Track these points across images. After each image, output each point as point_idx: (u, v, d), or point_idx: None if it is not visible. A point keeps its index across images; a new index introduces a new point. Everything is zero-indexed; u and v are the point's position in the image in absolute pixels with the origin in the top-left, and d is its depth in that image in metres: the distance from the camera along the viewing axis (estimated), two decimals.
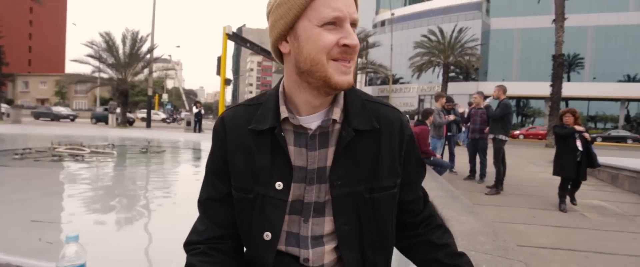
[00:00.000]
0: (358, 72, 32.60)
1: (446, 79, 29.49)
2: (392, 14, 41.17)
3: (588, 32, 39.09)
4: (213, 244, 0.76)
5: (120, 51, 19.40)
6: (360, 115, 0.74)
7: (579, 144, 4.58)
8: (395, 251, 0.85)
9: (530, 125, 35.39)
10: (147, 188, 4.84)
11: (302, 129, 0.73)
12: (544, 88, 20.99)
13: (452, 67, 31.56)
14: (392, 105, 0.82)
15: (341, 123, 0.74)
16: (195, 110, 16.98)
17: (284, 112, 0.73)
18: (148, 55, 19.86)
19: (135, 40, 19.49)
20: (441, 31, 29.92)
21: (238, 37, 25.22)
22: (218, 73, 22.71)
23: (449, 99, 7.50)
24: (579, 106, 37.14)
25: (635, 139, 28.38)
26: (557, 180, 4.73)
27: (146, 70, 20.24)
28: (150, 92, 20.37)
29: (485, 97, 6.54)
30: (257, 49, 27.91)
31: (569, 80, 36.59)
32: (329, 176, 0.73)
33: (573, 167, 4.55)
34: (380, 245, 0.76)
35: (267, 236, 0.74)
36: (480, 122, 6.25)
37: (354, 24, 0.68)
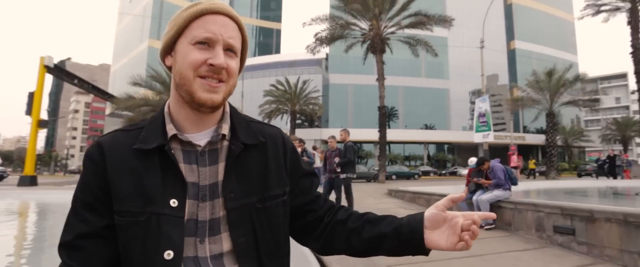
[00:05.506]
0: None
1: (294, 125, 31.70)
2: None
3: (399, 91, 49.44)
4: None
5: None
6: (246, 132, 0.79)
7: None
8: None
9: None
10: None
11: (191, 146, 0.75)
12: (372, 134, 25.02)
13: (298, 115, 34.28)
14: (272, 124, 0.88)
15: (229, 139, 0.77)
16: None
17: (171, 130, 0.74)
18: None
19: None
20: (288, 82, 32.50)
21: (62, 71, 20.91)
22: (28, 112, 17.99)
23: (301, 140, 8.08)
24: (398, 148, 45.85)
25: (434, 173, 37.50)
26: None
27: None
28: None
29: (338, 142, 7.30)
30: (87, 87, 23.50)
31: (389, 127, 44.88)
32: (221, 190, 0.73)
33: None
34: (276, 252, 0.78)
35: (168, 254, 0.68)
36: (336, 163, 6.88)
37: (230, 49, 0.73)
